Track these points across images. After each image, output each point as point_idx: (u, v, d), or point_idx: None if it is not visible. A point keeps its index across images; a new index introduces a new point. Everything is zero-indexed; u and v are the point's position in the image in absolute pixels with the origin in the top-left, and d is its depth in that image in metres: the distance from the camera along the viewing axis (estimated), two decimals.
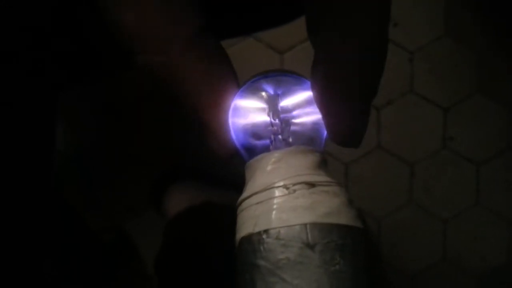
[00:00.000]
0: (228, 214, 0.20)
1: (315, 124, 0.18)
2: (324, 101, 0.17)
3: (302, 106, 0.18)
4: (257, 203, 0.16)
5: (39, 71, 0.26)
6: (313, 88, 0.17)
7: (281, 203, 0.16)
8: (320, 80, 0.17)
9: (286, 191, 0.16)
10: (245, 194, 0.17)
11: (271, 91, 0.18)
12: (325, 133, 0.18)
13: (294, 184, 0.16)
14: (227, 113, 0.17)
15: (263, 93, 0.18)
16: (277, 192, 0.16)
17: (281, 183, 0.16)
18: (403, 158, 0.77)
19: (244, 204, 0.17)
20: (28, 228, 0.28)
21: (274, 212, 0.16)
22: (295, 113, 0.18)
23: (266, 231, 0.16)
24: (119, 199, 0.74)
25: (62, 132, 0.73)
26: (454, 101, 0.77)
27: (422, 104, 0.76)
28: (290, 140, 0.18)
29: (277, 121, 0.18)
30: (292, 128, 0.18)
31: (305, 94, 0.18)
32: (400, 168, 0.77)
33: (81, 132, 0.75)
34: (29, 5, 0.24)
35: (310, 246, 0.15)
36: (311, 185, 0.16)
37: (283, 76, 0.19)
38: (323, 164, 0.18)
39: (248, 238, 0.16)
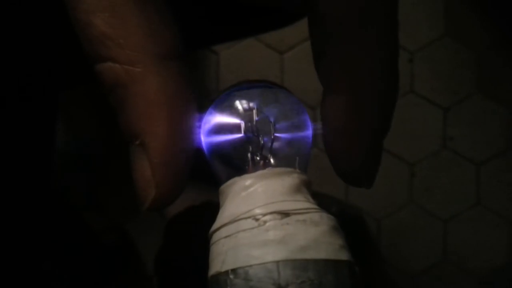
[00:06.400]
0: None
1: (296, 139, 0.16)
2: (332, 139, 0.16)
3: (282, 119, 0.16)
4: (226, 236, 0.14)
5: (39, 70, 0.26)
6: (323, 127, 0.16)
7: (250, 237, 0.14)
8: (330, 118, 0.15)
9: (255, 223, 0.14)
10: (214, 225, 0.15)
11: (246, 105, 0.16)
12: (309, 149, 0.17)
13: (264, 215, 0.14)
14: (198, 134, 0.16)
15: (237, 108, 0.16)
16: (245, 225, 0.14)
17: (250, 214, 0.14)
18: (403, 158, 0.77)
19: (214, 237, 0.15)
20: (28, 228, 0.28)
21: (242, 248, 0.14)
22: (274, 128, 0.16)
23: (233, 270, 0.14)
24: (119, 198, 0.74)
25: (62, 131, 0.72)
26: (455, 101, 0.77)
27: (422, 104, 0.76)
28: (271, 159, 0.16)
29: (253, 138, 0.16)
30: (273, 145, 0.16)
31: (284, 105, 0.16)
32: (400, 168, 0.77)
33: (81, 131, 0.75)
34: (26, 5, 0.24)
35: None
36: (285, 214, 0.14)
37: (258, 87, 0.17)
38: (304, 186, 0.16)
39: (216, 277, 0.14)
